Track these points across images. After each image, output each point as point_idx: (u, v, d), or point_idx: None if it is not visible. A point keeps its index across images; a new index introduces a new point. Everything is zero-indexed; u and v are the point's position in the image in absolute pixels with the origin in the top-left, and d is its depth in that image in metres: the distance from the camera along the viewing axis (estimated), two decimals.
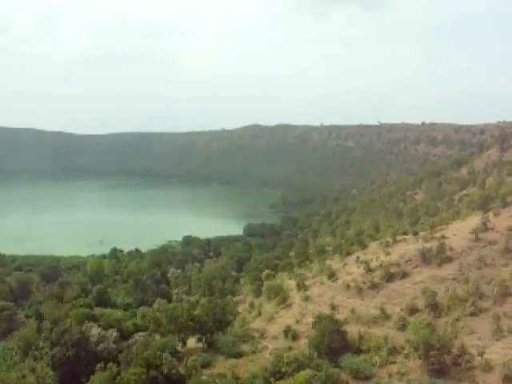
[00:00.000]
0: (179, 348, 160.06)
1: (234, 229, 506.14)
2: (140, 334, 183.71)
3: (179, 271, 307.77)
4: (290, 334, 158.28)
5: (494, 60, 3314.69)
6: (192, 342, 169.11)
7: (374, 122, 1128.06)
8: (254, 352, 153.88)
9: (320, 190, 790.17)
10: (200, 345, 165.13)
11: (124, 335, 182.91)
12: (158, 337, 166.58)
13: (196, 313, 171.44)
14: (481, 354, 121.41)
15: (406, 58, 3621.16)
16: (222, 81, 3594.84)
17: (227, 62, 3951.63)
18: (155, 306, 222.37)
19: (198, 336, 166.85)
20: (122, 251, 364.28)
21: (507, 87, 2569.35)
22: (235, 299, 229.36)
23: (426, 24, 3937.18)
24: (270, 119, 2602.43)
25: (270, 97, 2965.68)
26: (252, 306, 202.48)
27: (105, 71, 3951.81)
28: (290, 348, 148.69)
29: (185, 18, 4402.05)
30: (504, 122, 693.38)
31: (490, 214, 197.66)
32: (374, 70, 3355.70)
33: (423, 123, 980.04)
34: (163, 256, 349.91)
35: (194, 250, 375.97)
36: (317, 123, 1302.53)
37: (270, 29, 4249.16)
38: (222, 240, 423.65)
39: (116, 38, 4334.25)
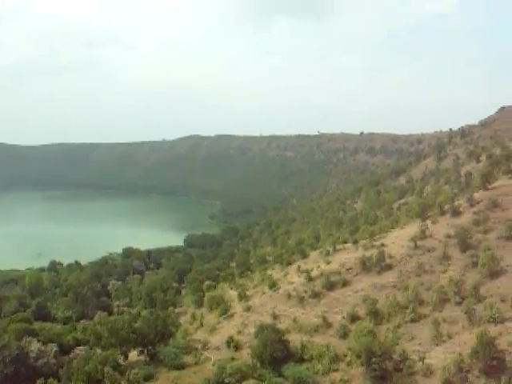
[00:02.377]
0: (121, 361, 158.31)
1: (175, 240, 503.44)
2: (81, 348, 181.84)
3: (120, 283, 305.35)
4: (233, 344, 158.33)
5: (432, 72, 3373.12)
6: (134, 354, 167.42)
7: (314, 132, 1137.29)
8: (196, 363, 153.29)
9: (260, 199, 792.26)
10: (142, 357, 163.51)
11: (64, 349, 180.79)
12: (99, 350, 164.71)
13: (137, 325, 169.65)
14: (421, 359, 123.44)
15: (345, 69, 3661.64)
16: (163, 92, 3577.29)
17: (168, 73, 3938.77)
18: (96, 319, 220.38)
19: (140, 348, 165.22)
20: (62, 264, 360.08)
21: (443, 98, 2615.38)
22: (177, 310, 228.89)
23: (366, 37, 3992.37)
24: (210, 130, 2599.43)
25: (211, 107, 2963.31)
26: (194, 317, 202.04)
27: (46, 81, 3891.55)
28: (233, 358, 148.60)
29: (127, 29, 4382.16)
30: (440, 131, 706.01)
31: (428, 221, 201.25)
32: (314, 80, 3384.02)
33: (362, 133, 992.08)
34: (103, 268, 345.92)
35: (134, 261, 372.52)
36: (257, 133, 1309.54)
37: (211, 40, 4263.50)
38: (162, 251, 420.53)
39: (57, 48, 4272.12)
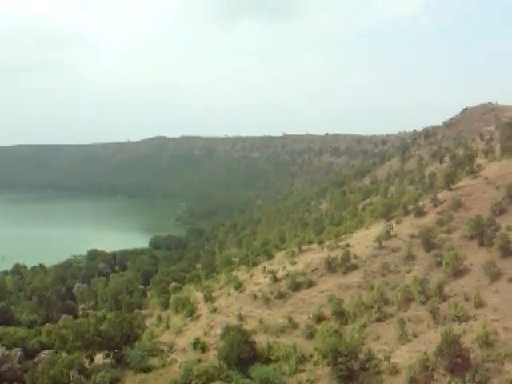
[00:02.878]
0: (87, 365, 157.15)
1: (140, 242, 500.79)
2: (46, 351, 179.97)
3: (85, 286, 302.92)
4: (199, 346, 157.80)
5: (397, 73, 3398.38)
6: (100, 357, 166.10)
7: (279, 134, 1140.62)
8: (163, 366, 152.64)
9: (226, 201, 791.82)
10: (108, 360, 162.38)
11: (29, 354, 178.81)
12: (64, 354, 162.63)
13: (103, 328, 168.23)
14: (387, 359, 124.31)
15: (311, 70, 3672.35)
16: (127, 92, 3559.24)
17: (133, 73, 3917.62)
18: (61, 322, 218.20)
19: (106, 351, 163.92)
20: (26, 267, 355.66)
21: (408, 99, 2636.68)
22: (143, 313, 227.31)
23: (332, 37, 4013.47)
24: (175, 131, 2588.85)
25: (176, 108, 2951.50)
26: (160, 319, 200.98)
27: (7, 81, 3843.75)
28: (200, 360, 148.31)
29: (91, 29, 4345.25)
30: (404, 132, 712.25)
31: (393, 222, 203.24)
32: (280, 81, 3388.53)
33: (327, 134, 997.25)
34: (68, 271, 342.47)
35: (99, 263, 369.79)
36: (222, 134, 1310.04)
37: (177, 40, 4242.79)
38: (127, 253, 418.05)
39: (19, 47, 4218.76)
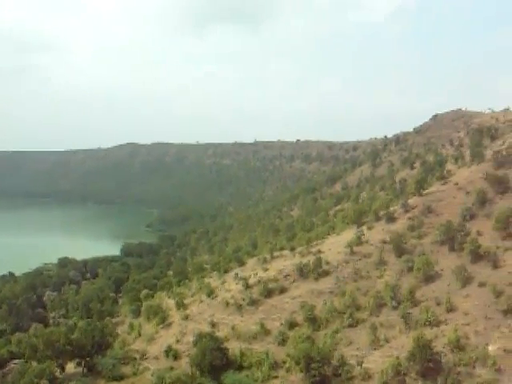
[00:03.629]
0: (58, 374, 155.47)
1: (111, 249, 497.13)
2: (16, 361, 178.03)
3: (55, 294, 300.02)
4: (171, 353, 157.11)
5: (368, 79, 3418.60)
6: (71, 366, 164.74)
7: (250, 140, 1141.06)
8: (135, 374, 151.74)
9: (197, 207, 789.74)
10: (79, 369, 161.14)
11: None
12: (34, 363, 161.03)
13: (74, 336, 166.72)
14: (360, 364, 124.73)
15: (282, 76, 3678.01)
16: (99, 99, 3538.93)
17: (104, 80, 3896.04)
18: (31, 331, 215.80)
19: (77, 360, 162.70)
20: None
21: (379, 105, 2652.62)
22: (114, 321, 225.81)
23: (303, 44, 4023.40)
24: (146, 137, 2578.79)
25: (148, 115, 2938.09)
26: (131, 326, 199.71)
27: None
28: (172, 368, 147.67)
29: (63, 35, 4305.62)
30: (375, 138, 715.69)
31: (364, 227, 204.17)
32: (251, 87, 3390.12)
33: (298, 140, 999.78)
34: (38, 279, 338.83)
35: (70, 271, 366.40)
36: (193, 141, 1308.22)
37: (150, 47, 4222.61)
38: (99, 261, 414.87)
39: None
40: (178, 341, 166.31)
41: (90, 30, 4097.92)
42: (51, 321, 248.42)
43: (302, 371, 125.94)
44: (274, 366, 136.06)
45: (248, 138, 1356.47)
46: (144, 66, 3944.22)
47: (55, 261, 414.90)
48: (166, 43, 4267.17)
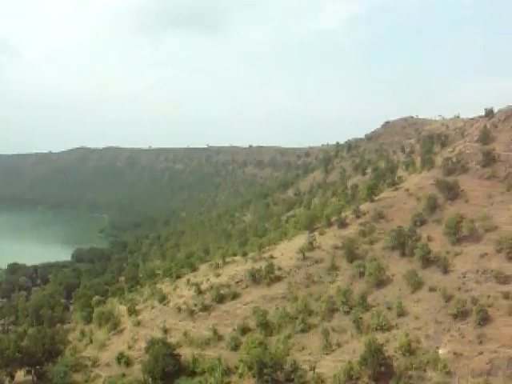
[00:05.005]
0: (7, 383, 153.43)
1: (62, 255, 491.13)
2: None
3: (5, 301, 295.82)
4: (123, 360, 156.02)
5: (320, 86, 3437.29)
6: (21, 374, 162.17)
7: (203, 145, 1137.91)
8: (86, 381, 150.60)
9: (150, 213, 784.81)
10: (29, 377, 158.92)
11: None
12: None
13: (24, 344, 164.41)
14: (312, 369, 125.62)
15: (236, 83, 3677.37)
16: (50, 102, 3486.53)
17: (56, 83, 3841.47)
18: None
19: (27, 368, 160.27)
20: None
21: (331, 112, 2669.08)
22: (65, 327, 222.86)
23: (259, 51, 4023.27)
24: (98, 142, 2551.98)
25: (100, 119, 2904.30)
26: (83, 333, 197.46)
27: None
28: (124, 375, 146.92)
29: (14, 36, 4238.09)
30: (327, 144, 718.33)
31: (316, 233, 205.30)
32: (205, 92, 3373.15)
33: (250, 146, 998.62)
34: None
35: (20, 277, 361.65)
36: (145, 146, 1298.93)
37: (105, 51, 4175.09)
38: (49, 266, 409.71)
39: None
40: (129, 347, 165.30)
41: (43, 32, 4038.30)
42: (0, 328, 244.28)
43: (254, 376, 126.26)
44: (227, 371, 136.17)
45: (201, 144, 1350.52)
46: (97, 69, 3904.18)
47: (4, 266, 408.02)
48: (120, 47, 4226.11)
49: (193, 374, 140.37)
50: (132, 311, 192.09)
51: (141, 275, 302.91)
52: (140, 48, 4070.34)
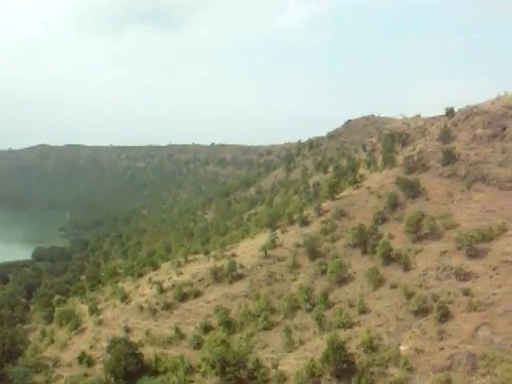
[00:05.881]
0: None
1: (22, 253, 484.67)
2: None
3: None
4: (85, 360, 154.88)
5: (283, 85, 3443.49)
6: None
7: (165, 143, 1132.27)
8: (47, 382, 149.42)
9: (111, 211, 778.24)
10: None
11: None
12: None
13: None
14: (275, 367, 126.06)
15: (198, 80, 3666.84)
16: (9, 99, 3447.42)
17: (16, 80, 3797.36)
18: None
19: None
20: None
21: (293, 110, 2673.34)
22: (25, 327, 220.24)
23: (220, 49, 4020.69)
24: (59, 140, 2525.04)
25: (61, 117, 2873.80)
26: (44, 333, 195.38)
27: None
28: (86, 375, 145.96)
29: None
30: (289, 143, 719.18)
31: (278, 231, 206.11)
32: (167, 91, 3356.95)
33: (212, 144, 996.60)
34: None
35: None
36: (107, 144, 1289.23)
37: (65, 48, 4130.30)
38: (9, 266, 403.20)
39: None
40: (91, 347, 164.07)
41: (3, 26, 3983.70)
42: None
43: (217, 375, 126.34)
44: (190, 370, 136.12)
45: (163, 142, 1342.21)
46: (58, 66, 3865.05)
47: None
48: (81, 44, 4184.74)
49: (155, 373, 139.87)
50: (93, 310, 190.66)
51: (102, 274, 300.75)
52: (102, 45, 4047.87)
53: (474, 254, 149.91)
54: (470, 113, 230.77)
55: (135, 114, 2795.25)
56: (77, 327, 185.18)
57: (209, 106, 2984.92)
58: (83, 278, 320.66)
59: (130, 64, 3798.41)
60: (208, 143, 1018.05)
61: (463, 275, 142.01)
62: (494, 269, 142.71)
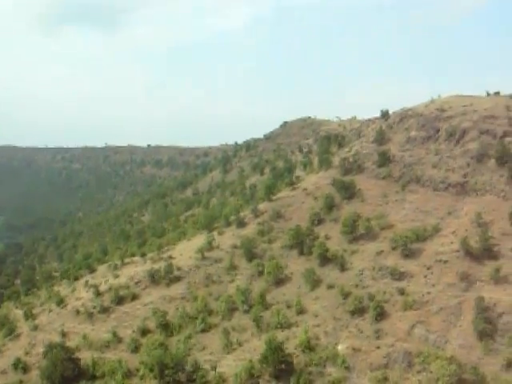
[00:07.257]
0: None
1: None
2: None
3: None
4: (20, 366, 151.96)
5: (219, 87, 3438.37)
6: None
7: (101, 145, 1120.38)
8: None
9: (46, 213, 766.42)
10: None
11: None
12: None
13: None
14: (214, 368, 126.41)
15: (136, 81, 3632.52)
16: None
17: None
18: None
19: None
20: None
21: (230, 112, 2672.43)
22: None
23: (158, 50, 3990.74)
24: None
25: None
26: None
27: None
28: (21, 382, 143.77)
29: None
30: (226, 144, 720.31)
31: (215, 233, 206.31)
32: (103, 91, 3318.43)
33: (149, 146, 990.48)
34: None
35: None
36: (42, 145, 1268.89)
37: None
38: None
39: None
40: (27, 353, 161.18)
41: None
42: None
43: (156, 378, 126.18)
44: (128, 374, 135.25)
45: (98, 143, 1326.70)
46: None
47: None
48: (14, 44, 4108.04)
49: (93, 377, 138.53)
50: (29, 315, 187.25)
51: (37, 278, 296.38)
52: (40, 44, 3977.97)
53: (408, 254, 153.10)
54: (405, 115, 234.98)
55: (71, 115, 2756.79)
56: (11, 333, 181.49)
57: (147, 107, 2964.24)
58: (18, 282, 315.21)
59: (69, 65, 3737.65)
60: (144, 145, 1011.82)
61: (398, 275, 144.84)
62: (428, 268, 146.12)
